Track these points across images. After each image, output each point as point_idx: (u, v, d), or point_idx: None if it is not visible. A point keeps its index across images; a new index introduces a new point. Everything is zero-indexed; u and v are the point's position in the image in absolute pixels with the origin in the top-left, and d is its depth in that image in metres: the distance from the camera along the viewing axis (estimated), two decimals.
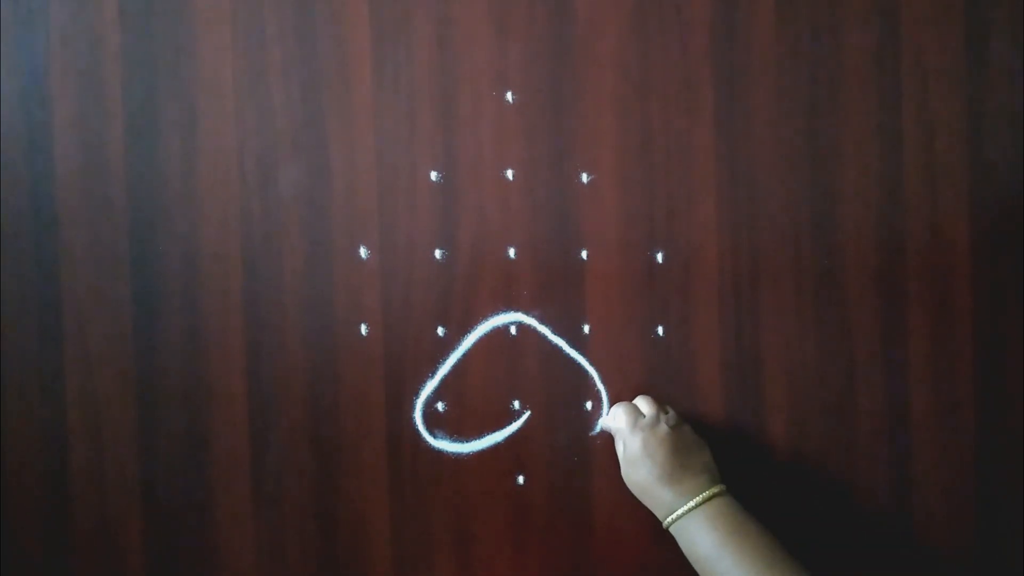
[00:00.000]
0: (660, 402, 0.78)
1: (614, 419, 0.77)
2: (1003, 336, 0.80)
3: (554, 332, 0.81)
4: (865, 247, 0.80)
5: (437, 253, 0.81)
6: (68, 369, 0.82)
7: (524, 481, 0.81)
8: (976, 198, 0.80)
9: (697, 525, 0.69)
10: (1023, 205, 0.79)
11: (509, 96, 0.81)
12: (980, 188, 0.80)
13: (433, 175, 0.81)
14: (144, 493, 0.82)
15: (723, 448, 0.80)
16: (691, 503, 0.70)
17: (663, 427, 0.74)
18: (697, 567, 0.69)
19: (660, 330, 0.81)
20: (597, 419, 0.81)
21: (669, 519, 0.71)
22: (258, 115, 0.81)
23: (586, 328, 0.81)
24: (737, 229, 0.80)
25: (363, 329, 0.81)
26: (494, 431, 0.82)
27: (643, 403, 0.77)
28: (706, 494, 0.70)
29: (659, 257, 0.81)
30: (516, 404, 0.82)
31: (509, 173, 0.81)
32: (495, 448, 0.82)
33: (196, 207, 0.82)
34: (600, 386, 0.81)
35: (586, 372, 0.81)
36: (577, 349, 0.81)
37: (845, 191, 0.80)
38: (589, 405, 0.82)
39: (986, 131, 0.79)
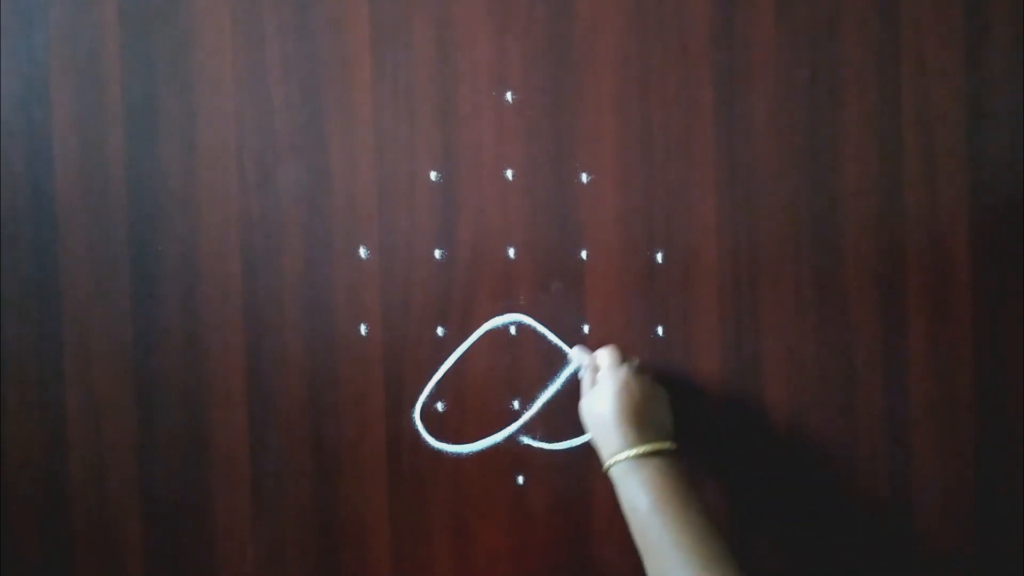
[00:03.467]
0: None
1: (599, 354, 0.77)
2: (1003, 336, 0.80)
3: (554, 332, 0.81)
4: (865, 247, 0.80)
5: (437, 253, 0.81)
6: (68, 369, 0.82)
7: (524, 481, 0.81)
8: (976, 198, 0.79)
9: (636, 476, 0.68)
10: (1023, 205, 0.79)
11: (509, 96, 0.81)
12: (980, 188, 0.79)
13: (433, 175, 0.81)
14: (144, 493, 0.82)
15: (723, 447, 0.80)
16: (638, 449, 0.69)
17: (644, 376, 0.74)
18: (628, 517, 0.68)
19: (660, 330, 0.81)
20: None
21: (612, 460, 0.70)
22: (257, 114, 0.81)
23: (586, 328, 0.81)
24: (737, 229, 0.80)
25: (363, 329, 0.81)
26: (494, 431, 0.82)
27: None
28: (653, 446, 0.69)
29: (659, 257, 0.81)
30: (516, 404, 0.82)
31: (509, 173, 0.81)
32: (495, 448, 0.82)
33: (196, 207, 0.82)
34: None
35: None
36: None
37: (845, 191, 0.80)
38: None
39: (986, 131, 0.79)
